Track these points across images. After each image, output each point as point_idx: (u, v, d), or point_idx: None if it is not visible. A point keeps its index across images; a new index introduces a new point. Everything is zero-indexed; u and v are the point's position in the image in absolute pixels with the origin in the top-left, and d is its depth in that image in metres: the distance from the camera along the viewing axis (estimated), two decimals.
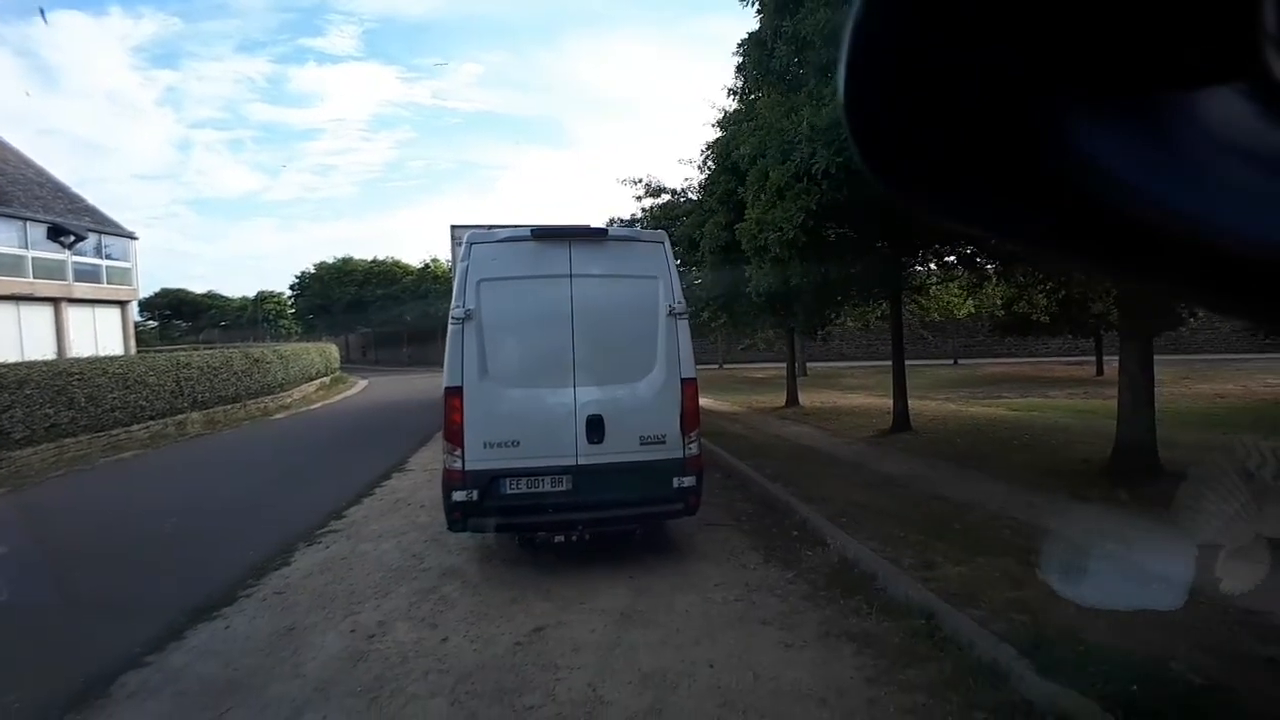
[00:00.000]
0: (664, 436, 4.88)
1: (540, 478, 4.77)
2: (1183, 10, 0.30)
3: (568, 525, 4.82)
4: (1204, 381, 15.83)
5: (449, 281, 10.03)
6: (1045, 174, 0.34)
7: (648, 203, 14.96)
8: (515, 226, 5.98)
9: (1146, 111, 0.32)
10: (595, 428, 4.79)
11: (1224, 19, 0.30)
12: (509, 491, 4.73)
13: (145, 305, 49.61)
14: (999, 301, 12.49)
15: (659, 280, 4.98)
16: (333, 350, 27.56)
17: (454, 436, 4.68)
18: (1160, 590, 3.71)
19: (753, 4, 8.44)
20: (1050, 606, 3.69)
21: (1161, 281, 0.39)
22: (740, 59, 9.70)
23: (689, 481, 4.90)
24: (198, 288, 59.01)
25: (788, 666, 3.51)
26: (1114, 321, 8.74)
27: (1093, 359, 19.89)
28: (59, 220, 19.41)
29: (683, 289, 5.22)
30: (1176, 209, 0.31)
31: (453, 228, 11.70)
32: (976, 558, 4.55)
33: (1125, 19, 0.31)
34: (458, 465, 4.68)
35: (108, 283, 21.53)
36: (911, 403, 10.75)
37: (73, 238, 19.63)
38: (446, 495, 4.74)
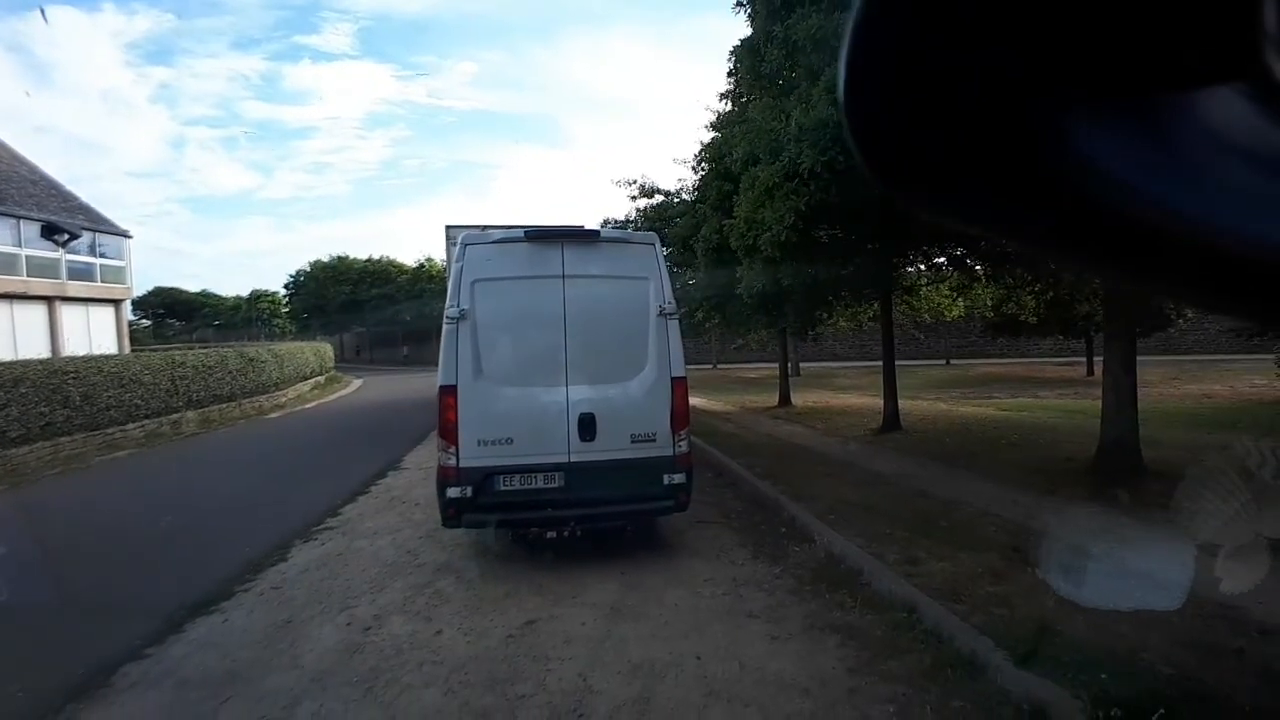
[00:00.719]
0: (654, 434, 4.97)
1: (533, 475, 4.85)
2: (1182, 11, 0.30)
3: (560, 521, 4.91)
4: (1192, 382, 16.03)
5: (444, 281, 10.09)
6: (1044, 175, 0.34)
7: (642, 203, 15.14)
8: (509, 227, 6.04)
9: (1146, 112, 0.32)
10: (587, 426, 4.87)
11: (1223, 19, 0.30)
12: (502, 488, 4.82)
13: (139, 304, 49.67)
14: (988, 303, 12.61)
15: (650, 281, 5.07)
16: (327, 350, 27.52)
17: (448, 434, 4.76)
18: (1138, 584, 3.83)
19: (745, 10, 8.54)
20: (1029, 600, 3.80)
21: (1161, 282, 0.39)
22: (733, 64, 9.81)
23: (679, 479, 4.99)
24: (192, 287, 59.34)
25: (773, 658, 3.60)
26: (1100, 322, 8.85)
27: (1084, 359, 20.07)
28: (53, 218, 19.36)
29: (676, 290, 5.31)
30: (1176, 210, 0.31)
31: (448, 228, 11.74)
32: (960, 554, 4.65)
33: (1124, 20, 0.31)
34: (452, 462, 4.75)
35: (101, 281, 21.46)
36: (903, 403, 10.87)
37: (66, 236, 19.59)
38: (441, 492, 4.83)
